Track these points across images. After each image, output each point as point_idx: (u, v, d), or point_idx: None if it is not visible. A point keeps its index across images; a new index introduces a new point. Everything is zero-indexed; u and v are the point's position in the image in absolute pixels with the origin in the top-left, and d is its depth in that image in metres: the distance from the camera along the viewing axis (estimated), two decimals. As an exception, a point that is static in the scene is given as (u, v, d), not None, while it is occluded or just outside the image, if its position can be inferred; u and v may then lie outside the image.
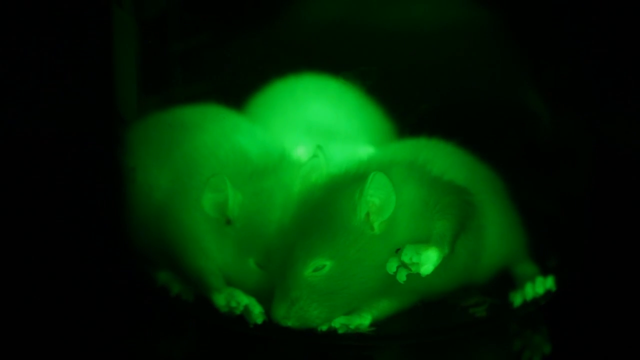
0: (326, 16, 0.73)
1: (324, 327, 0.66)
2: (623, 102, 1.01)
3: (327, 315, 0.66)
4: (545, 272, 0.73)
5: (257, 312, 0.68)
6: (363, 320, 0.67)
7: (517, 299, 0.71)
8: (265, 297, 0.68)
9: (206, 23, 0.71)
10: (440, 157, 0.69)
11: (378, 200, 0.65)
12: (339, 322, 0.66)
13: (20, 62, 1.02)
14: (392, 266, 0.64)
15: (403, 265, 0.64)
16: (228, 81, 0.72)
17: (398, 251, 0.64)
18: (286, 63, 0.72)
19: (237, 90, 0.72)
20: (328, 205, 0.65)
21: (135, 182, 0.73)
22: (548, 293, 0.73)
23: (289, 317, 0.65)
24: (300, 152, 0.70)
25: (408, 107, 0.70)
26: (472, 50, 0.72)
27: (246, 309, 0.68)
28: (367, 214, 0.65)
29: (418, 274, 0.64)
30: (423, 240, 0.65)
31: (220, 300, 0.69)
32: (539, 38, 0.73)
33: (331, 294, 0.65)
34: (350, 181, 0.66)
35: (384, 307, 0.68)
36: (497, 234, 0.70)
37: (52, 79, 1.02)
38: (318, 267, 0.65)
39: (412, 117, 0.70)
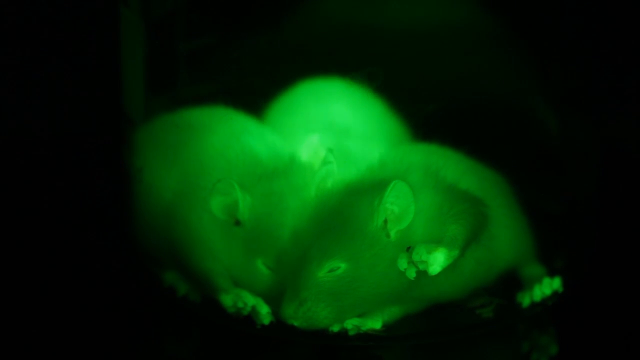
0: (333, 17, 0.73)
1: (336, 328, 0.66)
2: (629, 103, 1.01)
3: (334, 316, 0.66)
4: (552, 273, 0.73)
5: (264, 312, 0.68)
6: (375, 324, 0.67)
7: (525, 300, 0.71)
8: (273, 298, 0.68)
9: (213, 23, 0.71)
10: (452, 163, 0.69)
11: (397, 209, 0.65)
12: (351, 324, 0.66)
13: (26, 62, 1.02)
14: (402, 263, 0.64)
15: (413, 263, 0.64)
16: (235, 82, 0.72)
17: (409, 249, 0.64)
18: (293, 64, 0.72)
19: (245, 90, 0.72)
20: (346, 209, 0.65)
21: (142, 182, 0.73)
22: (555, 294, 0.73)
23: (296, 317, 0.65)
24: (311, 151, 0.70)
25: (415, 107, 0.70)
26: (479, 52, 0.72)
27: (253, 309, 0.68)
28: (385, 221, 0.65)
29: (428, 277, 0.64)
30: (435, 240, 0.65)
31: (227, 300, 0.69)
32: (546, 40, 0.73)
33: (339, 295, 0.65)
34: (368, 186, 0.66)
35: (395, 311, 0.68)
36: (507, 239, 0.70)
37: (60, 80, 1.02)
38: (333, 269, 0.65)
39: (420, 117, 0.70)
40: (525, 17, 0.72)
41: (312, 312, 0.65)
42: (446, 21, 0.71)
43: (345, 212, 0.65)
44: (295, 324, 0.65)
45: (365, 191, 0.66)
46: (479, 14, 0.71)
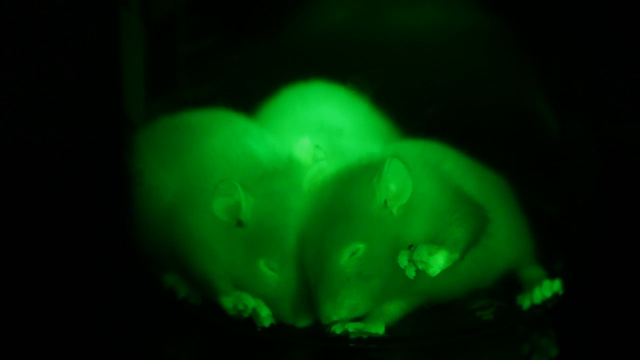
0: (333, 20, 0.73)
1: (338, 330, 0.66)
2: (629, 103, 1.01)
3: (369, 299, 0.66)
4: (552, 276, 0.73)
5: (264, 314, 0.68)
6: (378, 329, 0.67)
7: (525, 303, 0.71)
8: (274, 300, 0.68)
9: (213, 26, 0.71)
10: (451, 158, 0.69)
11: (395, 187, 0.65)
12: (353, 327, 0.66)
13: (26, 64, 1.02)
14: (403, 260, 0.64)
15: (413, 262, 0.64)
16: (236, 84, 0.72)
17: (411, 247, 0.65)
18: (293, 67, 0.72)
19: (245, 93, 0.72)
20: (345, 195, 0.66)
21: (143, 185, 0.73)
22: (555, 296, 0.73)
23: (338, 312, 0.65)
24: (307, 152, 0.70)
25: (414, 110, 0.70)
26: (479, 53, 0.72)
27: (254, 311, 0.68)
28: (385, 200, 0.65)
29: (427, 274, 0.64)
30: (437, 241, 0.65)
31: (227, 303, 0.69)
32: (546, 41, 0.73)
33: (367, 277, 0.65)
34: (364, 169, 0.66)
35: (394, 312, 0.68)
36: (506, 239, 0.71)
37: (60, 82, 1.02)
38: (353, 252, 0.65)
39: (419, 120, 0.70)
40: (524, 18, 0.72)
41: (349, 302, 0.65)
42: (446, 22, 0.71)
43: (345, 199, 0.65)
44: (342, 315, 0.65)
45: (361, 174, 0.66)
46: (478, 15, 0.71)
